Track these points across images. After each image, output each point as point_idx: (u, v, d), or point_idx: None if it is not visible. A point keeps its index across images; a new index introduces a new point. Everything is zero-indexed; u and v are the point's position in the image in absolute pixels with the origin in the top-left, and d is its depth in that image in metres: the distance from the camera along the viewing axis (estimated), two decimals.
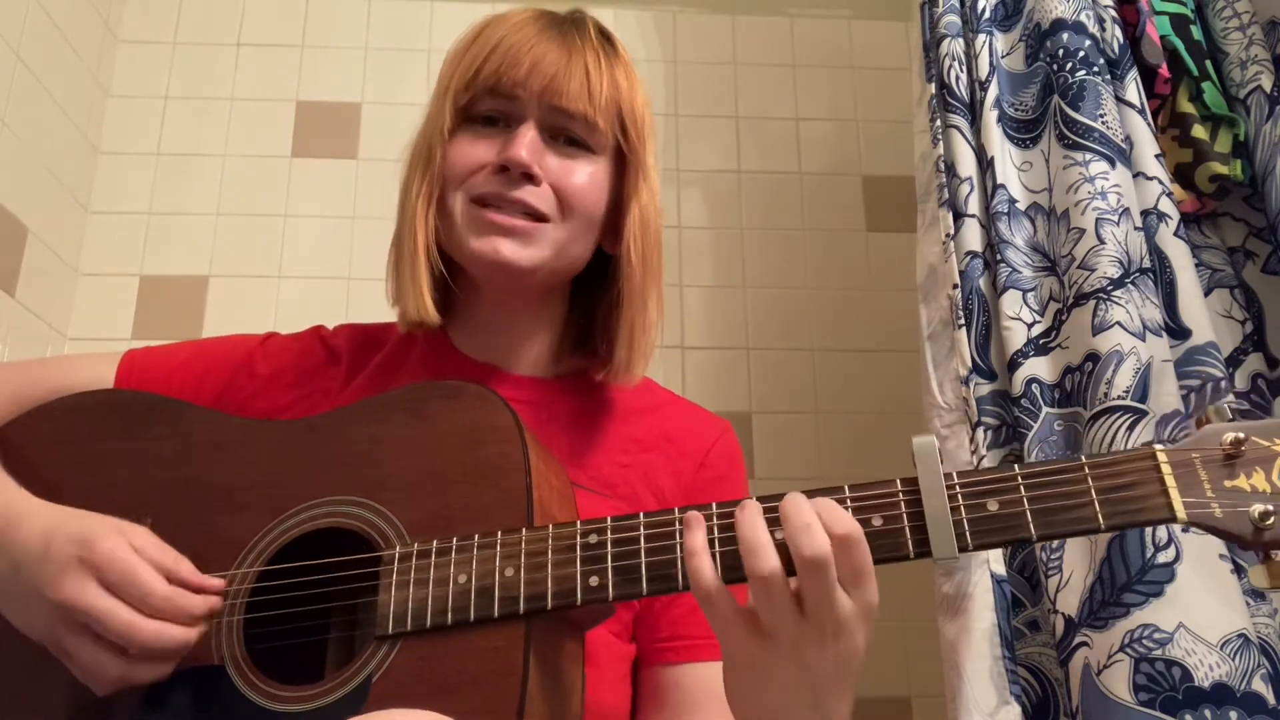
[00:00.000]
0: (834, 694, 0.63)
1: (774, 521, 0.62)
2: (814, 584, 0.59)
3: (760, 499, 0.64)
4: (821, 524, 0.60)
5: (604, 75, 0.84)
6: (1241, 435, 0.60)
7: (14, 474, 0.77)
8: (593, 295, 0.91)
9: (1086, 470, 0.61)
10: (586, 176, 0.84)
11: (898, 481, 0.63)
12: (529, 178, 0.82)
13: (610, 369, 0.87)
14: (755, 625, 0.61)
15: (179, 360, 0.90)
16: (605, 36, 0.89)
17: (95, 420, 0.82)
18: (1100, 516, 0.60)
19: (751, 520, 0.61)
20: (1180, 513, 0.59)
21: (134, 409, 0.82)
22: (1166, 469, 0.60)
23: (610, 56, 0.87)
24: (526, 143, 0.82)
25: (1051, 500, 0.61)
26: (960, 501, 0.62)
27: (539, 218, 0.83)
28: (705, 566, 0.61)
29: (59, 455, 0.81)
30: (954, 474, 0.63)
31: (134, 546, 0.69)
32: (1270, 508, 0.58)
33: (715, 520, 0.64)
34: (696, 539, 0.62)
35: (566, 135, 0.85)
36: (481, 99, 0.84)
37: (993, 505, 0.62)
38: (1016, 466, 0.63)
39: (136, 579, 0.67)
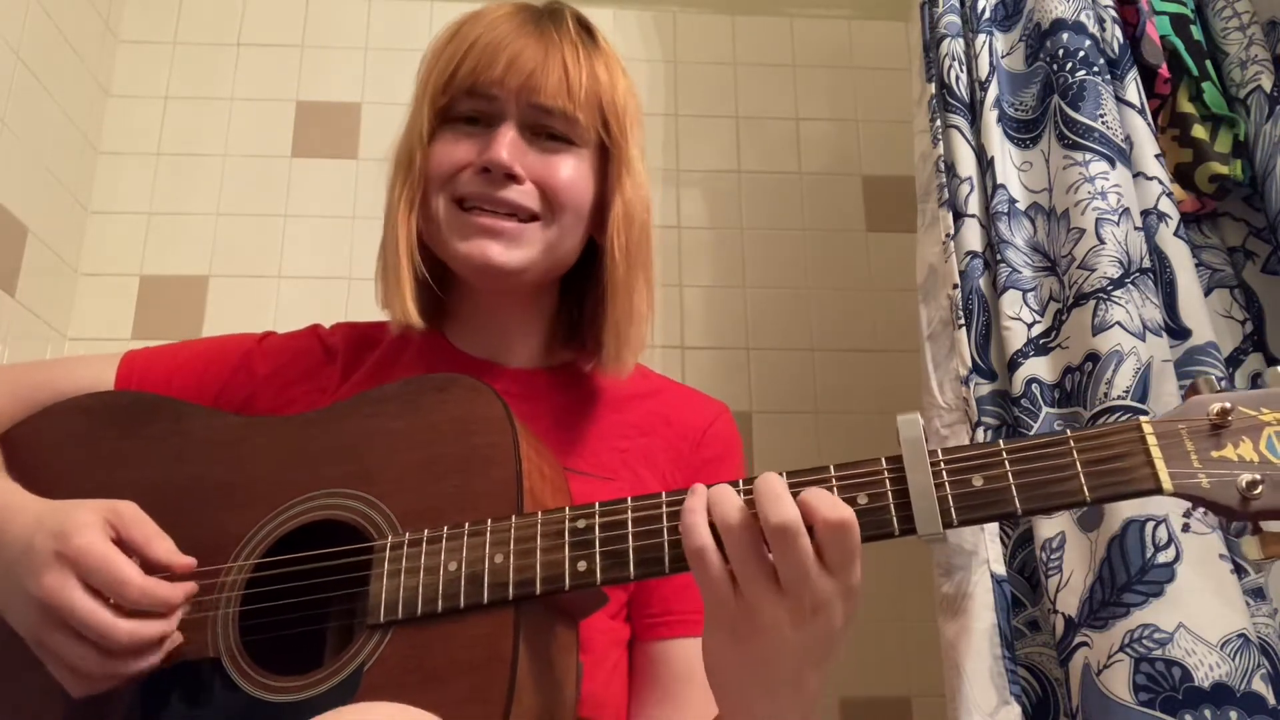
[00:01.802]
0: (810, 667, 0.63)
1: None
2: (786, 554, 0.59)
3: (747, 480, 0.64)
4: (814, 509, 0.59)
5: (583, 69, 0.84)
6: (1228, 405, 0.59)
7: (17, 475, 0.77)
8: (584, 286, 0.91)
9: (1072, 444, 0.61)
10: (571, 170, 0.84)
11: (883, 460, 0.63)
12: (511, 178, 0.82)
13: (599, 363, 0.87)
14: (739, 590, 0.61)
15: (178, 361, 0.91)
16: (584, 28, 0.88)
17: (97, 421, 0.83)
18: (1086, 489, 0.60)
19: (725, 492, 0.62)
20: (1166, 483, 0.59)
21: (135, 409, 0.83)
22: (1152, 440, 0.60)
23: (589, 48, 0.86)
24: (507, 143, 0.81)
25: (1037, 474, 0.61)
26: (945, 478, 0.62)
27: (528, 216, 0.83)
28: (701, 524, 0.61)
29: (62, 456, 0.82)
30: (939, 450, 0.63)
31: (114, 525, 0.69)
32: (1257, 477, 0.57)
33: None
34: (696, 499, 0.62)
35: (547, 131, 0.84)
36: (460, 100, 0.84)
37: (978, 480, 0.61)
38: (1001, 442, 0.62)
39: (111, 572, 0.66)
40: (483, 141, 0.83)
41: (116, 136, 1.64)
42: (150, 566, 0.69)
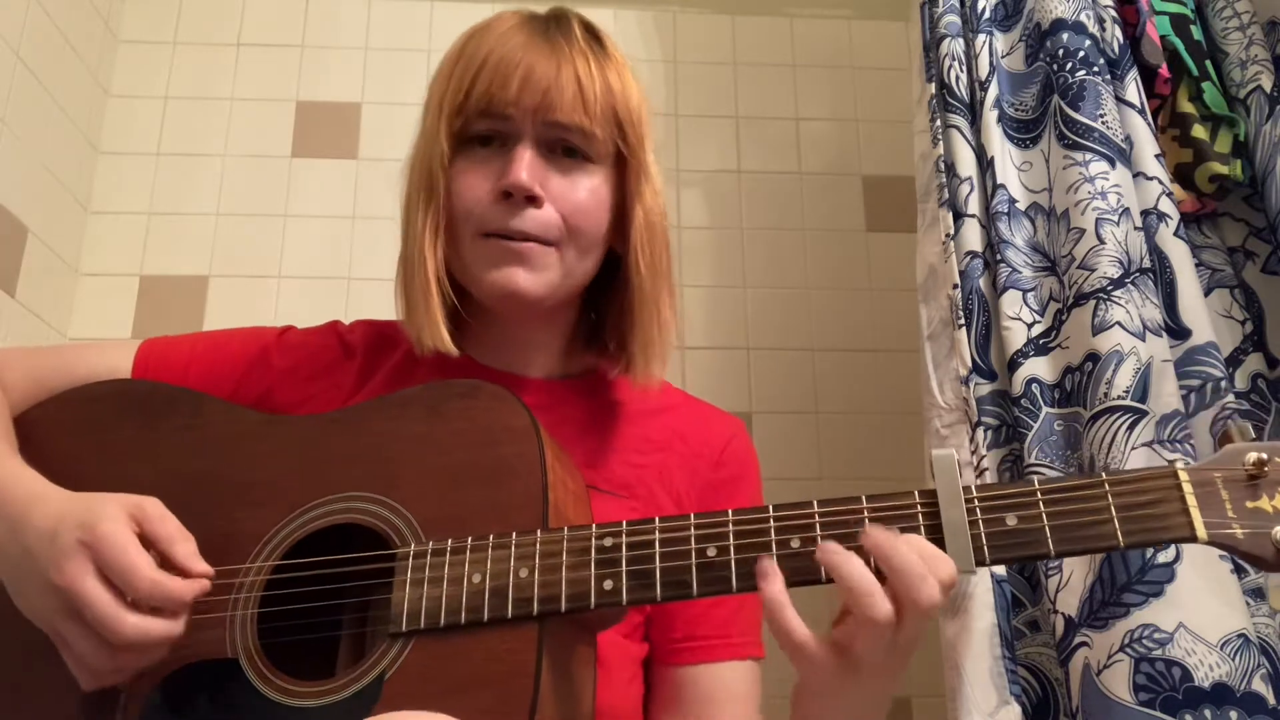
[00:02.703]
0: (890, 689, 0.67)
1: (847, 537, 0.62)
2: (917, 626, 0.61)
3: (778, 506, 0.65)
4: (935, 574, 0.60)
5: (596, 81, 0.82)
6: (1265, 456, 0.60)
7: (32, 462, 0.77)
8: (602, 292, 0.91)
9: (1107, 487, 0.61)
10: (588, 192, 0.83)
11: (916, 493, 0.63)
12: (531, 199, 0.81)
13: (630, 374, 0.87)
14: (843, 658, 0.62)
15: (197, 351, 0.90)
16: (592, 34, 0.87)
17: (114, 410, 0.82)
18: (1120, 534, 0.60)
19: (859, 569, 0.61)
20: (1201, 533, 0.59)
21: (153, 400, 0.82)
22: (1188, 488, 0.60)
23: (600, 57, 0.85)
24: (525, 165, 0.80)
25: (1071, 517, 0.61)
26: (979, 515, 0.62)
27: (547, 242, 0.82)
28: (794, 621, 0.62)
29: (77, 445, 0.81)
30: (973, 488, 0.63)
31: (138, 520, 0.69)
32: None
33: (730, 528, 0.65)
34: (778, 593, 0.62)
35: (564, 146, 0.83)
36: (475, 120, 0.82)
37: (1011, 520, 0.61)
38: (1036, 481, 0.63)
39: (123, 561, 0.66)
40: (499, 164, 0.82)
41: (116, 136, 1.64)
42: (168, 567, 0.69)
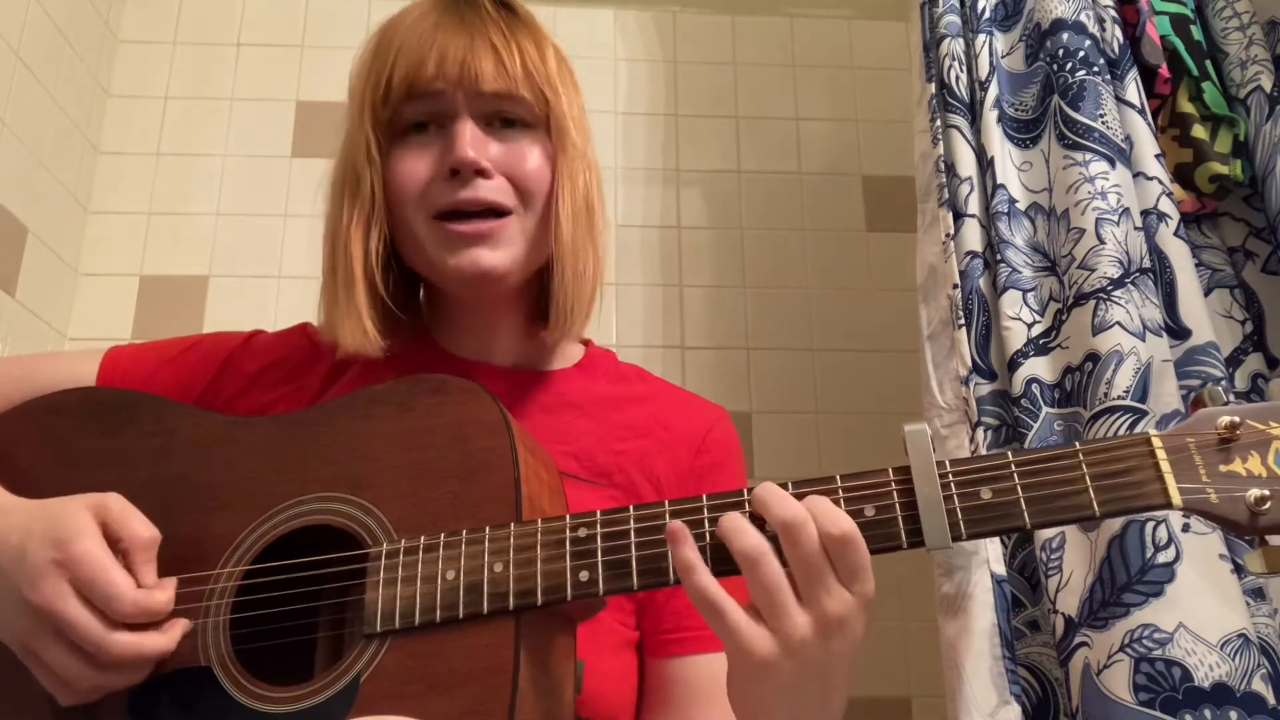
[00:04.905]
0: (837, 686, 0.63)
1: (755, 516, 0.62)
2: (797, 550, 0.59)
3: (752, 489, 0.64)
4: (816, 523, 0.59)
5: (512, 45, 0.83)
6: (1237, 419, 0.60)
7: None
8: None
9: (1081, 457, 0.61)
10: (530, 155, 0.83)
11: (889, 470, 0.62)
12: (480, 173, 0.81)
13: (549, 325, 0.86)
14: (762, 620, 0.61)
15: (163, 358, 0.89)
16: (503, 4, 0.86)
17: (77, 419, 0.81)
18: (1095, 504, 0.60)
19: (736, 524, 0.61)
20: (1175, 499, 0.59)
21: (116, 407, 0.81)
22: (1161, 454, 0.60)
23: (512, 24, 0.84)
24: (468, 139, 0.80)
25: (1046, 488, 0.60)
26: (953, 490, 0.61)
27: (501, 212, 0.82)
28: (705, 581, 0.61)
29: (40, 455, 0.80)
30: (947, 462, 0.62)
31: (103, 521, 0.68)
32: (1266, 492, 0.58)
33: (705, 514, 0.64)
34: (688, 554, 0.61)
35: (501, 117, 0.83)
36: (402, 107, 0.82)
37: (986, 493, 0.61)
38: (1010, 454, 0.62)
39: (104, 586, 0.65)
40: (440, 145, 0.82)
41: (116, 136, 1.64)
42: (136, 566, 0.68)
